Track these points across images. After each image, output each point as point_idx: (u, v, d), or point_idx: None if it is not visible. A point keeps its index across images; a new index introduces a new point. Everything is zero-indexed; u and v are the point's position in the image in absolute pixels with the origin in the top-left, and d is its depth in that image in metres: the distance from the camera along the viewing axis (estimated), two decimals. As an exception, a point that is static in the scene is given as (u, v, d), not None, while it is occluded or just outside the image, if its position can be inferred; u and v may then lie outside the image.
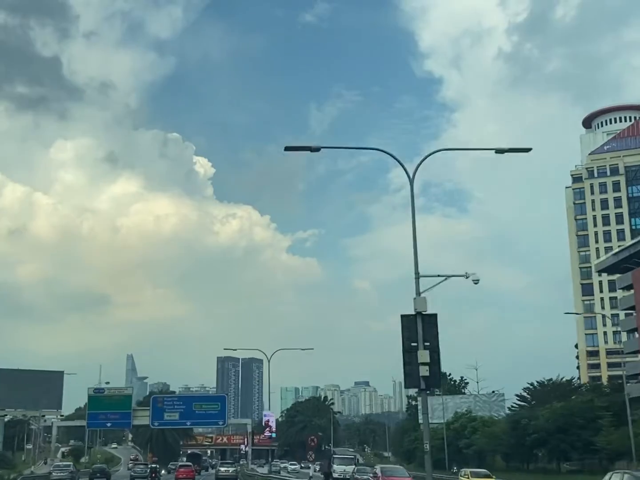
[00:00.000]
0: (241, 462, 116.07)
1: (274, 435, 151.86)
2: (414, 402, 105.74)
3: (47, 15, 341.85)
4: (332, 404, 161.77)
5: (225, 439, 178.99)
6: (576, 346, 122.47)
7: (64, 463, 65.56)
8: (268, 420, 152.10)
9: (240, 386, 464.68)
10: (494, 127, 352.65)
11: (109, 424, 71.96)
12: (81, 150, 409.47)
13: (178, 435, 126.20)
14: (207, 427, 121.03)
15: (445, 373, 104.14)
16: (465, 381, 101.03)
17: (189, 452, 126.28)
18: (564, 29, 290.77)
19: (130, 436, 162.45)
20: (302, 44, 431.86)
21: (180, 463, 77.04)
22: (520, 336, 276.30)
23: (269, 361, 62.82)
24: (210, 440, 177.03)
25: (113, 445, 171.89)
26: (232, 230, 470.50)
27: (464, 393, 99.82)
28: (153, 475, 59.61)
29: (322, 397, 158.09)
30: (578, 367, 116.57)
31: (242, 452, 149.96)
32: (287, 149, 20.61)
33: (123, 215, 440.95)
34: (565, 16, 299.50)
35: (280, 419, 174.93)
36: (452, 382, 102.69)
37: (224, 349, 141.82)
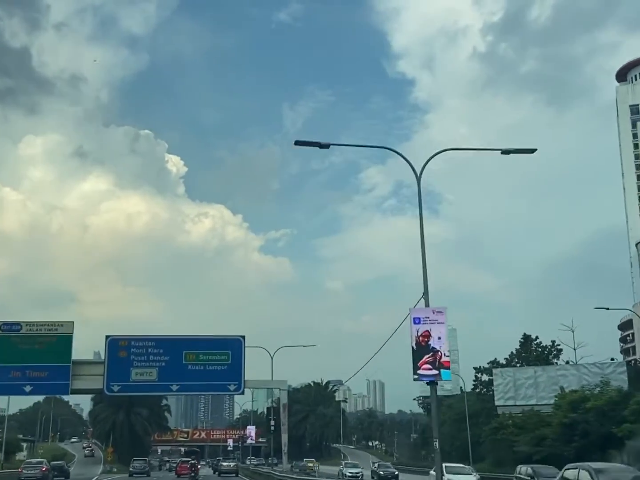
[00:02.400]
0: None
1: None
2: (483, 377, 74.53)
3: (15, 5, 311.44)
4: (336, 390, 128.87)
5: (203, 435, 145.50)
6: None
7: (36, 460, 54.52)
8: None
9: None
10: (466, 129, 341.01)
11: (27, 388, 36.57)
12: (51, 146, 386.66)
13: (150, 427, 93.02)
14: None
15: (530, 336, 72.77)
16: (558, 347, 69.36)
17: (183, 450, 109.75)
18: (539, 30, 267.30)
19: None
20: (276, 42, 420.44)
21: (181, 458, 71.40)
22: (493, 337, 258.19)
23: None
24: (186, 435, 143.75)
25: (73, 440, 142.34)
26: (204, 230, 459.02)
27: (555, 363, 68.55)
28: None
29: (324, 383, 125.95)
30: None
31: (228, 448, 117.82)
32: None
33: (93, 213, 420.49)
34: (540, 16, 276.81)
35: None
36: (541, 349, 71.03)
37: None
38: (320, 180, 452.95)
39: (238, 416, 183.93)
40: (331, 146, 20.96)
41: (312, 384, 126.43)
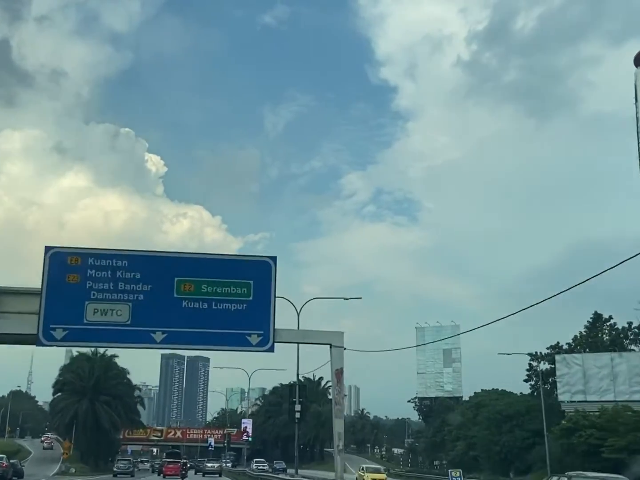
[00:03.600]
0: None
1: (250, 439, 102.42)
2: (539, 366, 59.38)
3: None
4: (329, 387, 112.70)
5: (179, 434, 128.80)
6: None
7: None
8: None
9: (184, 385, 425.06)
10: (446, 138, 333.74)
11: None
12: (30, 141, 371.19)
13: (119, 420, 76.73)
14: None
15: (601, 315, 57.71)
16: (635, 329, 53.93)
17: (168, 450, 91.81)
18: (523, 40, 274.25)
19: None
20: (260, 45, 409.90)
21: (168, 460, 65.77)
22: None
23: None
24: (159, 434, 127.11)
25: (31, 437, 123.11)
26: (183, 230, 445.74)
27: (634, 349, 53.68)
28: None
29: (317, 379, 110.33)
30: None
31: (209, 448, 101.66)
32: None
33: (70, 210, 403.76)
34: (525, 27, 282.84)
35: (254, 410, 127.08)
36: (614, 332, 55.54)
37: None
38: (300, 184, 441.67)
39: (216, 414, 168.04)
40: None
41: (302, 379, 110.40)
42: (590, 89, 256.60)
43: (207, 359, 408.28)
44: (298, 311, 39.00)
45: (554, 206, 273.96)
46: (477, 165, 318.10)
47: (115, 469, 63.05)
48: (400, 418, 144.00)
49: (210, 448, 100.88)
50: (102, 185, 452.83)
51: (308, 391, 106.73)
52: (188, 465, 70.38)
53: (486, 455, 60.72)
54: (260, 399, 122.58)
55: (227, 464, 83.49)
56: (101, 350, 77.53)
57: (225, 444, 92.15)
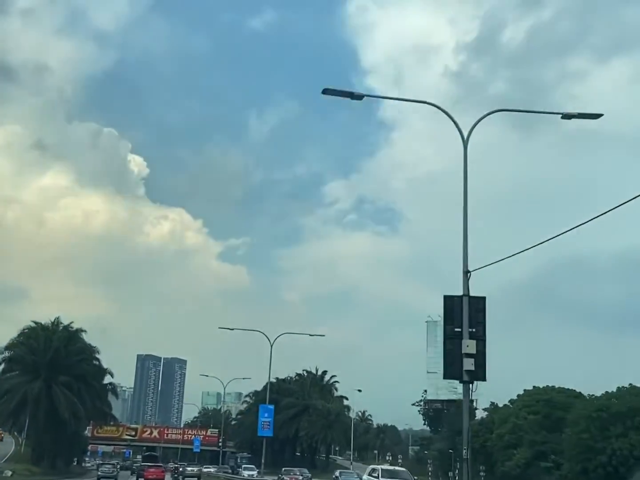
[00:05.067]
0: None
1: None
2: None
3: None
4: (335, 382, 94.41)
5: (156, 433, 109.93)
6: None
7: None
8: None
9: (160, 387, 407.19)
10: (430, 149, 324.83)
11: None
12: (10, 137, 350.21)
13: (84, 410, 58.03)
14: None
15: None
16: None
17: (144, 453, 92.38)
18: (510, 52, 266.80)
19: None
20: (247, 49, 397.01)
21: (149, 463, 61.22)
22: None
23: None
24: (133, 433, 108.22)
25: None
26: (163, 233, 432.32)
27: None
28: None
29: (321, 372, 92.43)
30: None
31: (196, 450, 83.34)
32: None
33: (51, 209, 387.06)
34: (512, 39, 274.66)
35: (241, 407, 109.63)
36: None
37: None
38: (283, 190, 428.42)
39: (197, 414, 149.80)
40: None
41: (305, 373, 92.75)
42: (575, 104, 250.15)
43: (184, 361, 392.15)
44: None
45: (536, 219, 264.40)
46: (460, 177, 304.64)
47: (99, 473, 59.64)
48: (408, 427, 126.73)
49: (196, 450, 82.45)
50: (83, 185, 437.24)
51: (310, 385, 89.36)
52: (180, 469, 66.01)
53: (581, 468, 43.44)
54: (251, 395, 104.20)
55: (225, 470, 69.01)
56: (64, 321, 59.44)
57: (220, 447, 73.95)
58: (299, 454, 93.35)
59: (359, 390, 79.94)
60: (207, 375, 65.86)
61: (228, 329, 49.88)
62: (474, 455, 67.94)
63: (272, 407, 40.13)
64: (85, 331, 62.08)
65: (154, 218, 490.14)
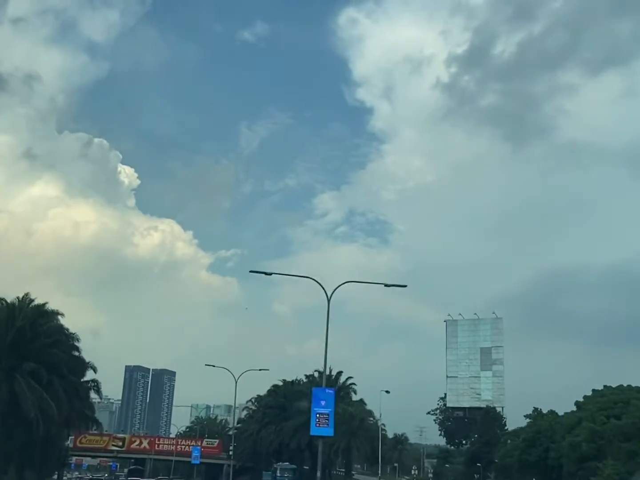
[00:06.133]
0: None
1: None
2: None
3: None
4: (352, 384, 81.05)
5: (145, 444, 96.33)
6: None
7: None
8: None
9: (148, 398, 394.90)
10: (421, 161, 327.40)
11: None
12: (0, 148, 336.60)
13: (58, 409, 44.72)
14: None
15: None
16: None
17: (130, 467, 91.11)
18: (502, 65, 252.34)
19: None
20: (239, 61, 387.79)
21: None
22: (423, 372, 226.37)
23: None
24: (120, 443, 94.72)
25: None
26: (153, 244, 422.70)
27: None
28: None
29: (335, 374, 79.42)
30: None
31: (195, 462, 70.03)
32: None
33: (40, 219, 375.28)
34: (504, 52, 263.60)
35: (243, 416, 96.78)
36: None
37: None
38: (273, 202, 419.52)
39: (189, 424, 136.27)
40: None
41: (316, 374, 79.68)
42: (566, 117, 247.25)
43: (173, 373, 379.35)
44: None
45: (526, 232, 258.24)
46: (451, 189, 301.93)
47: None
48: (421, 435, 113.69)
49: (195, 462, 69.18)
50: (73, 195, 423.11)
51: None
52: None
53: None
54: (253, 401, 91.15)
55: None
56: (33, 297, 46.49)
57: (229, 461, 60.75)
58: (307, 467, 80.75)
59: (387, 392, 67.14)
60: (213, 366, 53.14)
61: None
62: (523, 470, 54.72)
63: (332, 391, 25.90)
64: (62, 314, 49.29)
65: (144, 229, 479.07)
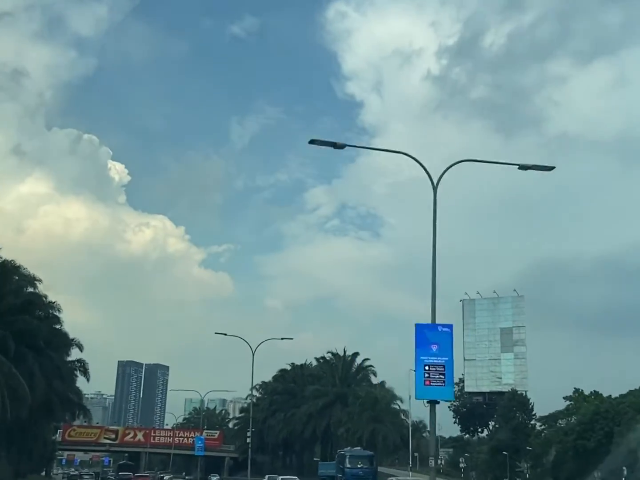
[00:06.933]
0: None
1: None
2: None
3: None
4: (370, 367, 71.67)
5: (140, 436, 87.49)
6: None
7: None
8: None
9: (142, 393, 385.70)
10: (412, 154, 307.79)
11: None
12: None
13: (32, 387, 35.67)
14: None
15: None
16: None
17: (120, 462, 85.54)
18: (492, 57, 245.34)
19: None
20: (228, 55, 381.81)
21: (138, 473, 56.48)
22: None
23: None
24: (114, 436, 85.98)
25: None
26: (145, 240, 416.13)
27: None
28: None
29: (350, 355, 70.35)
30: None
31: (199, 453, 61.36)
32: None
33: (31, 216, 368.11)
34: (493, 44, 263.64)
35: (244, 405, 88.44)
36: None
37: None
38: (265, 197, 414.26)
39: (187, 415, 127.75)
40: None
41: (330, 356, 70.94)
42: (556, 108, 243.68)
43: (167, 367, 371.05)
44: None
45: (518, 224, 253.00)
46: (442, 182, 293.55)
47: None
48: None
49: (199, 453, 60.40)
50: (64, 192, 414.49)
51: (342, 371, 67.40)
52: None
53: None
54: (257, 387, 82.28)
55: None
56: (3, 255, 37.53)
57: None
58: (317, 459, 72.30)
59: (413, 370, 58.36)
60: (225, 334, 45.49)
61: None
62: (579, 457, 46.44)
63: (449, 329, 15.93)
64: (40, 280, 40.38)
65: (135, 225, 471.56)
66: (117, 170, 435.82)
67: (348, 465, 44.47)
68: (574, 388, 65.67)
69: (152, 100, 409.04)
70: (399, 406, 57.95)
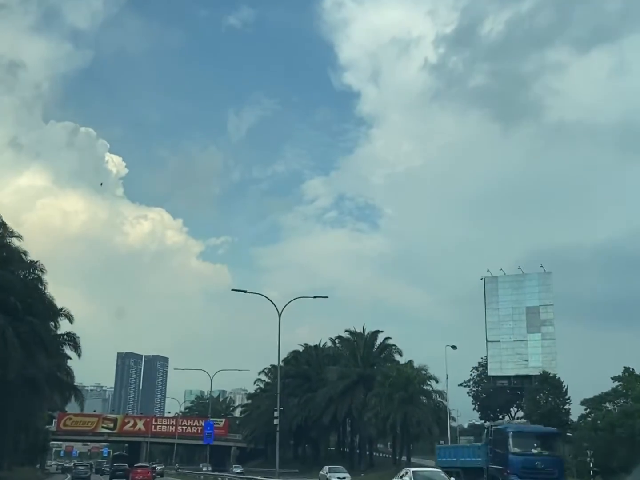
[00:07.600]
0: None
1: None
2: None
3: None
4: (394, 345, 64.04)
5: (141, 425, 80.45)
6: None
7: None
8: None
9: (141, 385, 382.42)
10: (409, 145, 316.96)
11: None
12: None
13: (28, 381, 28.36)
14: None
15: None
16: None
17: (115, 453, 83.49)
18: (490, 45, 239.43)
19: None
20: (225, 46, 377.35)
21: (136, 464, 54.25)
22: (417, 352, 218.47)
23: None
24: (112, 425, 78.99)
25: None
26: (143, 232, 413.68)
27: None
28: None
29: (369, 333, 63.07)
30: None
31: (208, 442, 54.53)
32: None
33: (29, 209, 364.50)
34: (491, 31, 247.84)
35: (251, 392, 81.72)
36: None
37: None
38: (262, 189, 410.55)
39: (190, 403, 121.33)
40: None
41: (349, 334, 63.57)
42: (555, 97, 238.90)
43: (166, 359, 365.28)
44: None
45: (516, 213, 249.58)
46: (440, 172, 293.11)
47: (73, 473, 56.32)
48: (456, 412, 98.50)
49: (207, 441, 53.53)
50: (61, 185, 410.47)
51: (364, 351, 58.52)
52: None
53: None
54: (265, 372, 75.30)
55: None
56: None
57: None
58: (343, 448, 65.64)
59: (453, 347, 51.16)
60: (245, 291, 38.83)
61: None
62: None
63: None
64: (19, 236, 33.29)
65: (133, 218, 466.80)
66: (115, 163, 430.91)
67: (514, 450, 26.03)
68: (624, 367, 58.72)
69: (148, 92, 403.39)
70: (432, 387, 50.91)
